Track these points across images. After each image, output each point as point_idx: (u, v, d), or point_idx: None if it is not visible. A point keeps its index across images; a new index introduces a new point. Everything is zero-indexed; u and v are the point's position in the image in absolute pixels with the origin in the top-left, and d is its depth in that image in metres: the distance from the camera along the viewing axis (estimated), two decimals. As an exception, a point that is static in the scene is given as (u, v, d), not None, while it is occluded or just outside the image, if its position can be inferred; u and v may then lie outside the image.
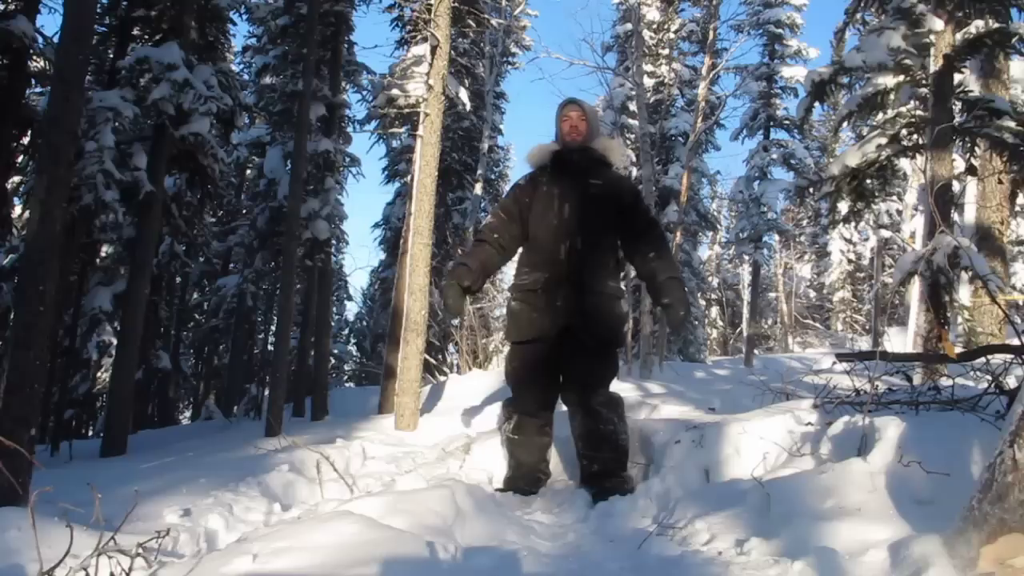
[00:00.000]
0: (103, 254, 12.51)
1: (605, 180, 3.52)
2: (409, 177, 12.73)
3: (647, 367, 10.91)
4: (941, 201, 6.39)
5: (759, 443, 2.89)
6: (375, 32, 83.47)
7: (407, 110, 9.29)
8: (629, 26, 17.24)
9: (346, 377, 26.67)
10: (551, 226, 3.43)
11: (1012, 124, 6.51)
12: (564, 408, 3.56)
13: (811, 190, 8.91)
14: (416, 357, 6.12)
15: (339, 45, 11.76)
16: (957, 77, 6.90)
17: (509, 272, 14.34)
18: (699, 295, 22.01)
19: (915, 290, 8.59)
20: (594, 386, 3.41)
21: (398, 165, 18.16)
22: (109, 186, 8.38)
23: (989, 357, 3.35)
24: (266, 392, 10.45)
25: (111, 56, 10.12)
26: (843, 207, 7.96)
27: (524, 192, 3.56)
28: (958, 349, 6.29)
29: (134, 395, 10.07)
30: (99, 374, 14.27)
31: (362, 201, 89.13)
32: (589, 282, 3.38)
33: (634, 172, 17.69)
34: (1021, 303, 11.41)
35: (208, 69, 9.14)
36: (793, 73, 18.42)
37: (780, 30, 18.63)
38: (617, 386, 3.56)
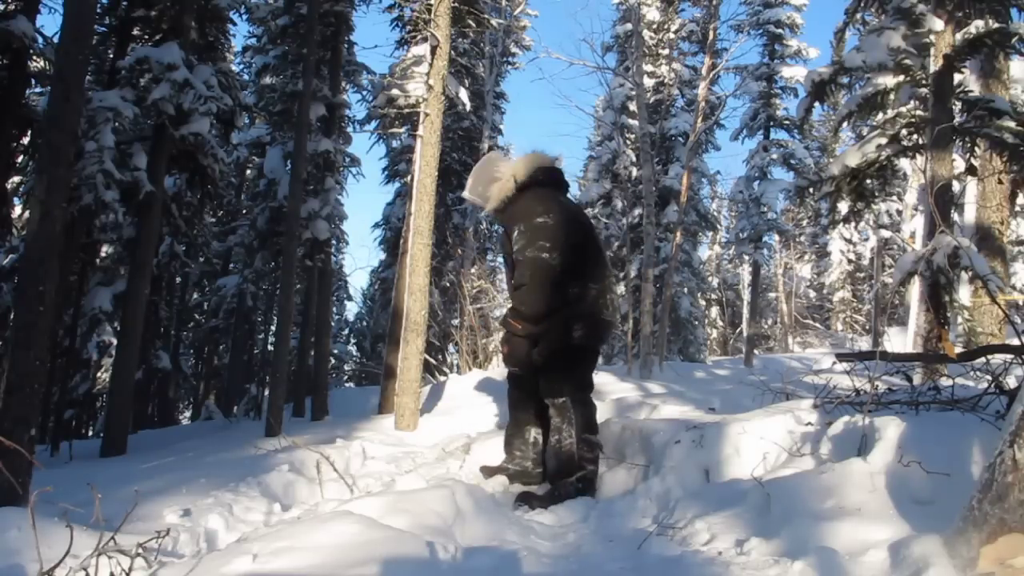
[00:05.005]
0: (103, 254, 12.52)
1: (511, 218, 3.66)
2: (409, 177, 12.72)
3: (647, 367, 10.90)
4: (941, 201, 6.38)
5: (759, 443, 2.89)
6: (375, 32, 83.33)
7: (407, 110, 9.28)
8: (629, 26, 17.26)
9: (346, 377, 26.68)
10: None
11: (1012, 124, 6.50)
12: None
13: (811, 190, 8.88)
14: (416, 357, 6.12)
15: (339, 45, 11.76)
16: (957, 77, 6.89)
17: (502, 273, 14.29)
18: (699, 295, 21.98)
19: (915, 290, 8.59)
20: (545, 396, 3.62)
21: (398, 165, 18.17)
22: (109, 186, 8.37)
23: (989, 357, 3.35)
24: (266, 392, 10.44)
25: (111, 56, 10.12)
26: (843, 207, 7.95)
27: None
28: (958, 349, 6.31)
29: (134, 395, 10.07)
30: (99, 374, 14.29)
31: (362, 201, 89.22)
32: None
33: (634, 172, 17.73)
34: (1021, 303, 11.41)
35: (208, 69, 9.14)
36: (793, 73, 18.40)
37: (780, 30, 18.61)
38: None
